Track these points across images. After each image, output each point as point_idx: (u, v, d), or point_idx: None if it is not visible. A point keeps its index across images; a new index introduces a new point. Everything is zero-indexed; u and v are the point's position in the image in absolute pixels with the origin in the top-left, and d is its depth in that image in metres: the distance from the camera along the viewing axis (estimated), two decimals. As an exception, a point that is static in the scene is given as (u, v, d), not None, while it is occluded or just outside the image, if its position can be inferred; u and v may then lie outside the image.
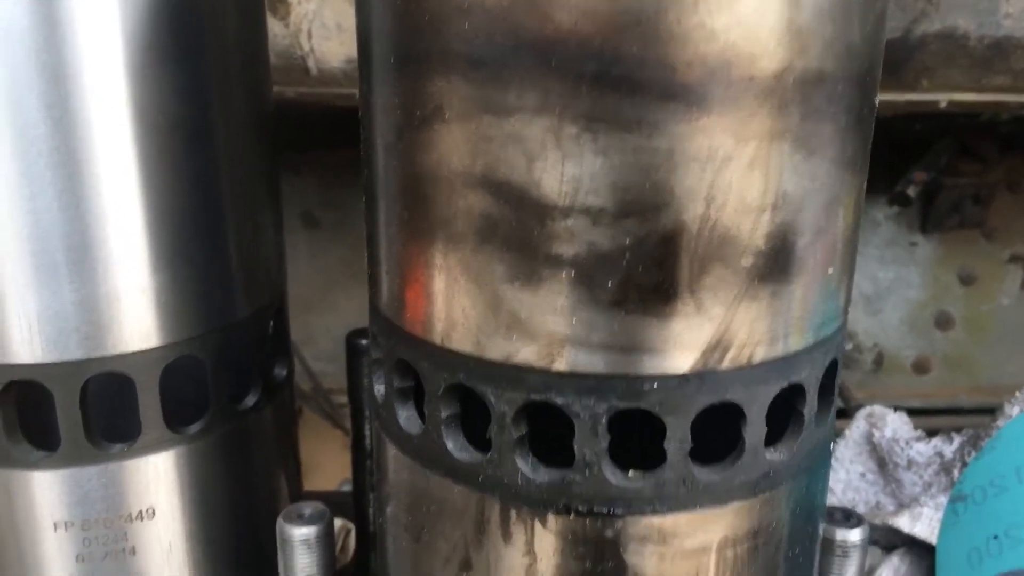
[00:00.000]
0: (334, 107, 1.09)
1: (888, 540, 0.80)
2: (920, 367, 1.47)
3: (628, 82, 0.35)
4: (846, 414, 1.00)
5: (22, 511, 0.54)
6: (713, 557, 0.43)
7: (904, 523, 0.76)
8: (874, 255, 1.45)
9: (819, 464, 0.46)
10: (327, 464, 1.50)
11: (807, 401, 0.43)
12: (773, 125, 0.37)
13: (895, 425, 0.87)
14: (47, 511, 0.54)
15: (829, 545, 0.52)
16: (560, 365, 0.40)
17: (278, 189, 0.65)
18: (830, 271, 0.42)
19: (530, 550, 0.43)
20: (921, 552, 0.77)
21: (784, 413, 0.43)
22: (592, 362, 0.39)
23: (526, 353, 0.40)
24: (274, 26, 0.91)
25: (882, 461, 0.86)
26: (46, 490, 0.54)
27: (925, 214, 1.44)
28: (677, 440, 0.40)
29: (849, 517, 0.53)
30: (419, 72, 0.39)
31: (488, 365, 0.41)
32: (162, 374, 0.55)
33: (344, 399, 1.58)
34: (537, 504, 0.42)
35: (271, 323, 0.63)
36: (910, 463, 0.84)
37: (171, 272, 0.54)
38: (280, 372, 0.64)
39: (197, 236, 0.56)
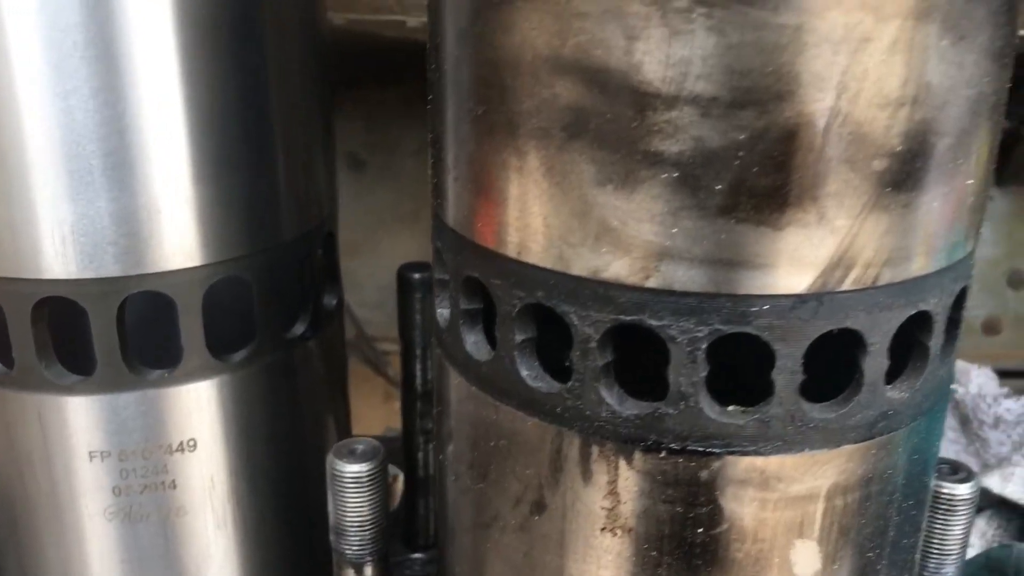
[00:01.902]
0: (383, 38, 1.04)
1: (972, 502, 0.75)
2: (990, 327, 1.40)
3: (753, -58, 0.30)
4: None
5: (55, 439, 0.51)
6: (820, 506, 0.38)
7: (995, 483, 0.71)
8: (945, 208, 1.38)
9: (940, 406, 0.41)
10: (368, 414, 1.47)
11: (933, 333, 0.37)
12: (920, 1, 0.31)
13: (980, 381, 0.81)
14: (82, 440, 0.51)
15: (935, 499, 0.47)
16: (655, 281, 0.34)
17: (331, 112, 0.60)
18: (970, 182, 0.36)
19: (612, 491, 0.38)
20: (1009, 514, 0.72)
21: (903, 347, 0.38)
22: (693, 278, 0.34)
23: (617, 267, 0.35)
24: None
25: (965, 418, 0.81)
26: (81, 417, 0.50)
27: (1001, 167, 1.36)
28: (788, 371, 0.35)
29: (957, 470, 0.48)
30: (503, -65, 0.34)
31: (572, 281, 0.36)
32: (206, 297, 0.51)
33: (389, 347, 1.54)
34: (623, 440, 0.37)
35: (320, 249, 0.58)
36: (997, 421, 0.78)
37: (215, 185, 0.50)
38: (330, 301, 0.60)
39: (243, 148, 0.51)
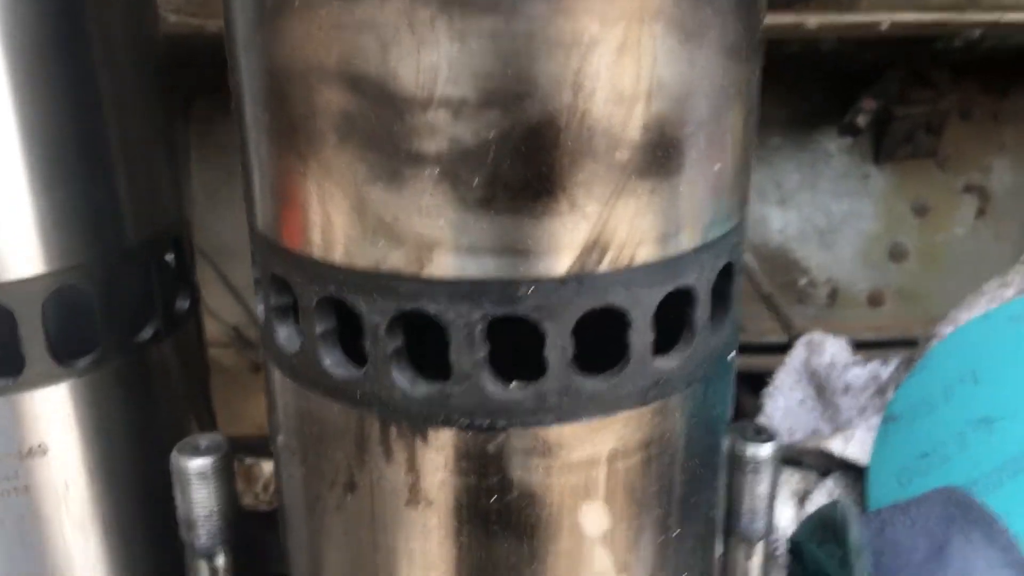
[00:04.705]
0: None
1: (824, 465, 0.79)
2: (875, 300, 1.46)
3: (481, -42, 0.33)
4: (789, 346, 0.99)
5: (-97, 450, 0.52)
6: (603, 470, 0.41)
7: (836, 446, 0.76)
8: (827, 188, 1.43)
9: (717, 373, 0.44)
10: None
11: (698, 306, 0.41)
12: (643, 5, 0.35)
13: (833, 350, 0.86)
14: (-71, 449, 0.52)
15: (740, 461, 0.51)
16: (430, 271, 0.37)
17: (173, 118, 0.62)
18: (717, 167, 0.40)
19: (412, 467, 0.41)
20: (855, 475, 0.77)
21: (679, 319, 0.42)
22: (463, 266, 0.37)
23: (394, 259, 0.38)
24: (186, -48, 0.87)
25: (820, 387, 0.85)
26: (-73, 427, 0.52)
27: (878, 145, 1.42)
28: (558, 348, 0.38)
29: (760, 432, 0.52)
30: (263, -45, 0.36)
31: (357, 274, 0.39)
32: (52, 304, 0.53)
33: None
34: (417, 419, 0.40)
35: (169, 253, 0.60)
36: (847, 388, 0.83)
37: (49, 196, 0.51)
38: (183, 304, 0.61)
39: (78, 158, 0.53)
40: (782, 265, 1.43)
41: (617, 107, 0.35)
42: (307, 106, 0.37)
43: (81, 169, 0.53)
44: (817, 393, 0.86)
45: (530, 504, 0.41)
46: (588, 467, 0.41)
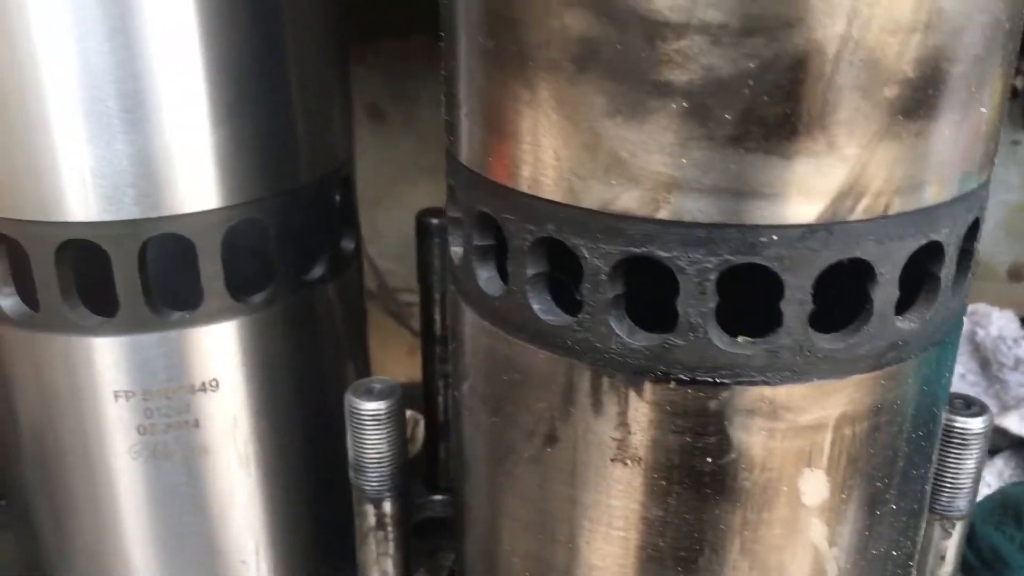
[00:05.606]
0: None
1: (992, 443, 0.75)
2: (1016, 274, 1.38)
3: None
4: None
5: (82, 379, 0.52)
6: (829, 436, 0.38)
7: (1013, 423, 0.71)
8: (971, 154, 1.35)
9: (951, 338, 0.41)
10: (392, 366, 1.48)
11: (945, 263, 0.37)
12: (932, -77, 0.31)
13: (1001, 323, 0.81)
14: (107, 380, 0.52)
15: (948, 433, 0.48)
16: (665, 212, 0.35)
17: (346, 57, 0.60)
18: (983, 110, 0.36)
19: (623, 422, 0.38)
20: (1028, 456, 0.72)
21: (913, 279, 0.38)
22: (703, 209, 0.34)
23: (627, 199, 0.35)
24: None
25: (985, 361, 0.80)
26: (106, 357, 0.51)
27: (1029, 110, 1.33)
28: (797, 301, 0.35)
29: (971, 405, 0.48)
30: None
31: (582, 214, 0.36)
32: (226, 242, 0.52)
33: (411, 298, 1.54)
34: (633, 371, 0.37)
35: (337, 194, 0.59)
36: (1018, 362, 0.78)
37: (231, 127, 0.50)
38: (348, 245, 0.60)
39: (259, 91, 0.51)
40: (917, 234, 1.36)
41: (892, 37, 0.32)
42: (543, 32, 0.34)
43: (262, 104, 0.52)
44: (981, 367, 0.81)
45: (748, 468, 0.38)
46: (814, 432, 0.38)
